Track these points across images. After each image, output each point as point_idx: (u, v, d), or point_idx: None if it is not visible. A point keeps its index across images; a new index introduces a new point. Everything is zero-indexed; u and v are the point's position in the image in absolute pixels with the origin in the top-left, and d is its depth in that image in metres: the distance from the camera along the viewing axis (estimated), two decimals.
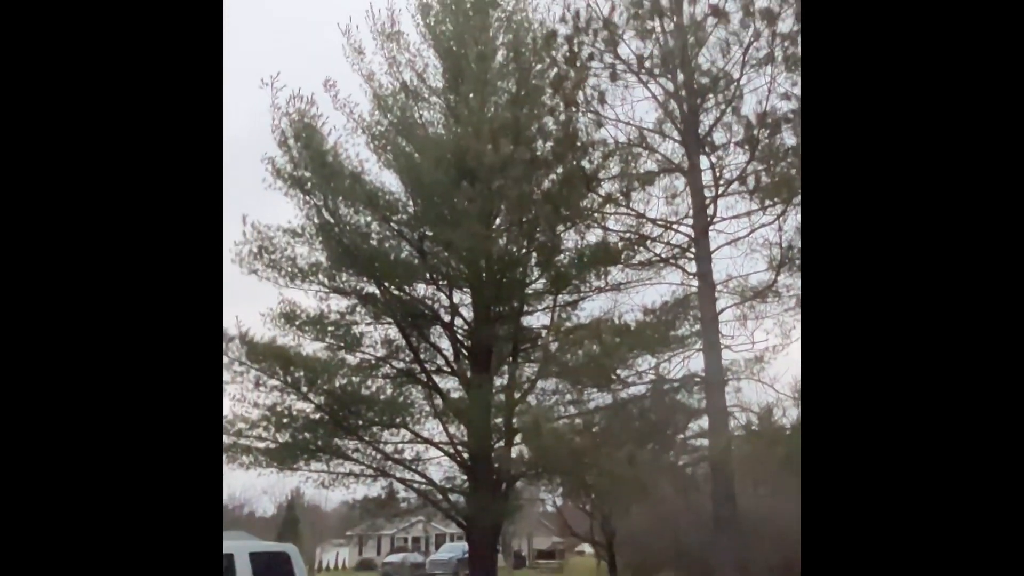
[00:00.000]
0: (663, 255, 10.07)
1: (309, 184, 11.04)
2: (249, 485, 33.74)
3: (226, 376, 11.04)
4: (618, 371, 9.77)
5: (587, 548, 30.79)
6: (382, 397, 11.98)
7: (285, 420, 11.33)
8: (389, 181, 12.04)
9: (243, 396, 11.23)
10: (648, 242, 10.02)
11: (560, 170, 9.55)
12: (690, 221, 9.30)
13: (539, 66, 11.21)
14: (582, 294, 12.03)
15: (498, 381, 11.87)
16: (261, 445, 11.31)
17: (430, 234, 11.64)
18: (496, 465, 11.42)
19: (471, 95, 11.69)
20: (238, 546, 7.71)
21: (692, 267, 9.49)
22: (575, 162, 9.33)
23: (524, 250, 11.65)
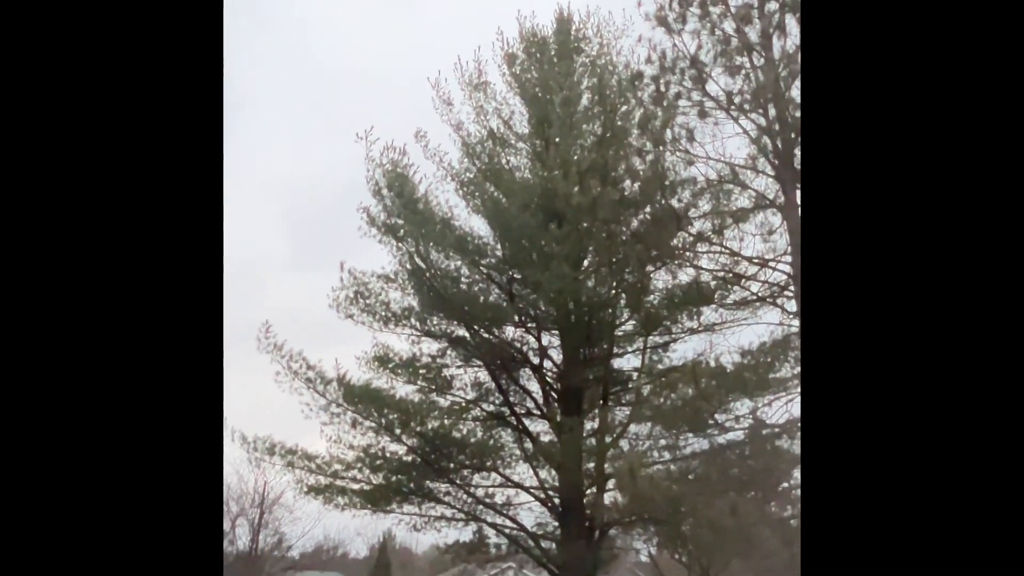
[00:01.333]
0: (760, 294, 9.69)
1: (401, 231, 11.39)
2: (343, 526, 34.47)
3: (324, 417, 11.40)
4: (715, 415, 9.38)
5: None
6: (472, 440, 11.99)
7: (379, 462, 11.52)
8: (478, 226, 12.29)
9: (339, 438, 11.54)
10: (743, 281, 9.68)
11: (649, 209, 9.42)
12: (788, 258, 8.93)
13: (624, 108, 11.23)
14: (674, 335, 11.73)
15: (589, 425, 11.65)
16: (356, 487, 11.53)
17: (519, 277, 11.71)
18: (588, 512, 11.13)
19: (557, 139, 11.82)
20: None
21: (792, 306, 9.07)
22: (664, 201, 9.19)
23: (613, 291, 11.52)
